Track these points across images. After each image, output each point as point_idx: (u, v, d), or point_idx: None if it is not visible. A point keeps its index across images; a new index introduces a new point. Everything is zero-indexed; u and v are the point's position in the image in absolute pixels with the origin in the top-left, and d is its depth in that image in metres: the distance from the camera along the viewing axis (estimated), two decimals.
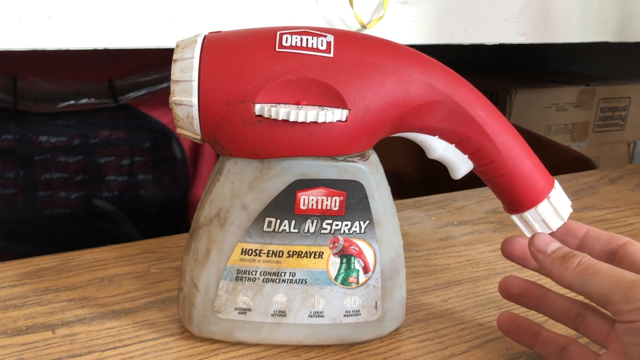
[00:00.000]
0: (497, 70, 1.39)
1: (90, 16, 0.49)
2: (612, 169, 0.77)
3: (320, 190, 0.34)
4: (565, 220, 0.36)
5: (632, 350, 0.29)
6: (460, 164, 0.36)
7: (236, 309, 0.36)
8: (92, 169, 0.82)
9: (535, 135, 0.96)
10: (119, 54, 0.63)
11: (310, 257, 0.35)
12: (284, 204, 0.34)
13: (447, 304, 0.44)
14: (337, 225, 0.35)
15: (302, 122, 0.32)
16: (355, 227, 0.35)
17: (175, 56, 0.33)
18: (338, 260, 0.36)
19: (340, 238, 0.35)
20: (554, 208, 0.36)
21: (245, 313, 0.36)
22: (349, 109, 0.32)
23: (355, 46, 0.33)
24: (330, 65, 0.32)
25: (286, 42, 0.32)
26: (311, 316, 0.36)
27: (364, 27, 0.60)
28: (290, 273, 0.36)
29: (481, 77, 1.22)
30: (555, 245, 0.34)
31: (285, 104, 0.32)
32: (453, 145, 0.36)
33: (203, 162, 0.89)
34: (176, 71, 0.32)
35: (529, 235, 0.36)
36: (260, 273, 0.35)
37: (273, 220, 0.35)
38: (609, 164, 1.24)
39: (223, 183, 0.35)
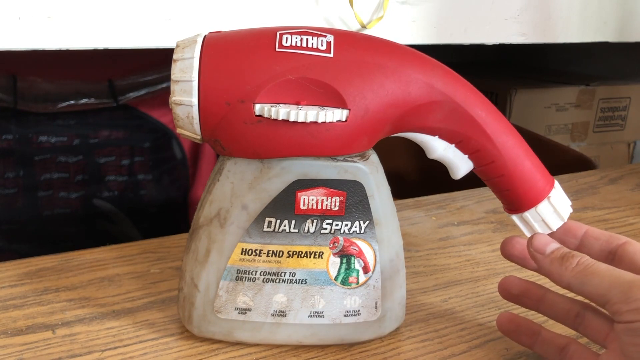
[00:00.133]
0: (497, 70, 1.39)
1: (90, 16, 0.49)
2: (612, 169, 0.77)
3: (320, 190, 0.34)
4: (565, 220, 0.36)
5: (630, 350, 0.29)
6: (460, 164, 0.36)
7: (236, 309, 0.36)
8: (92, 169, 0.82)
9: (535, 135, 0.96)
10: (119, 54, 0.63)
11: (310, 257, 0.35)
12: (284, 204, 0.34)
13: (447, 304, 0.44)
14: (337, 225, 0.35)
15: (302, 122, 0.32)
16: (355, 227, 0.35)
17: (175, 56, 0.33)
18: (338, 260, 0.36)
19: (340, 238, 0.35)
20: (554, 208, 0.36)
21: (245, 313, 0.36)
22: (349, 109, 0.32)
23: (355, 46, 0.33)
24: (330, 65, 0.32)
25: (286, 42, 0.32)
26: (311, 316, 0.36)
27: (364, 27, 0.60)
28: (290, 273, 0.36)
29: (481, 77, 1.22)
30: (554, 245, 0.34)
31: (285, 104, 0.32)
32: (453, 145, 0.36)
33: (203, 162, 0.89)
34: (176, 71, 0.32)
35: (529, 235, 0.36)
36: (260, 273, 0.35)
37: (273, 220, 0.35)
38: (609, 164, 1.24)
39: (223, 183, 0.35)
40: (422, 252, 0.52)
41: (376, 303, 0.37)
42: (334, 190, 0.34)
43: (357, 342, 0.38)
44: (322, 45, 0.32)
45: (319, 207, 0.34)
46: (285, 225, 0.35)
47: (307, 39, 0.33)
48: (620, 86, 1.23)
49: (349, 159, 0.34)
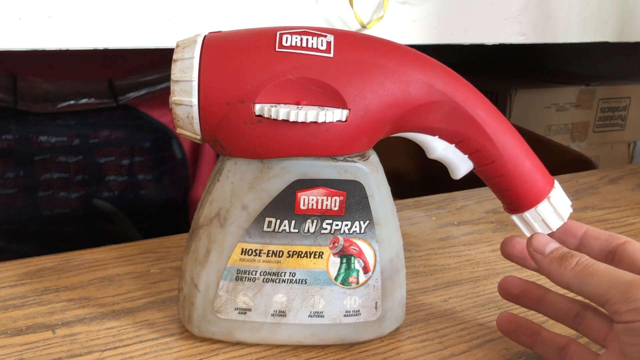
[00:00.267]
0: (497, 70, 1.39)
1: (90, 16, 0.49)
2: (612, 169, 0.77)
3: (320, 190, 0.34)
4: (565, 220, 0.36)
5: (630, 350, 0.29)
6: (460, 164, 0.36)
7: (236, 309, 0.36)
8: (92, 169, 0.82)
9: (535, 135, 0.96)
10: (119, 54, 0.63)
11: (310, 257, 0.35)
12: (284, 204, 0.34)
13: (447, 304, 0.44)
14: (337, 225, 0.35)
15: (302, 122, 0.32)
16: (355, 227, 0.35)
17: (175, 56, 0.33)
18: (338, 260, 0.36)
19: (340, 238, 0.35)
20: (554, 208, 0.36)
21: (245, 313, 0.36)
22: (349, 109, 0.32)
23: (355, 46, 0.33)
24: (330, 65, 0.32)
25: (286, 42, 0.32)
26: (311, 316, 0.36)
27: (364, 27, 0.60)
28: (290, 273, 0.36)
29: (481, 77, 1.22)
30: (553, 245, 0.34)
31: (285, 104, 0.32)
32: (453, 145, 0.36)
33: (203, 162, 0.89)
34: (176, 71, 0.32)
35: (528, 235, 0.36)
36: (260, 273, 0.35)
37: (273, 220, 0.35)
38: (609, 164, 1.24)
39: (223, 183, 0.35)
40: (422, 252, 0.52)
41: (376, 303, 0.37)
42: (334, 190, 0.34)
43: (357, 342, 0.38)
44: (322, 45, 0.32)
45: (319, 207, 0.34)
46: (285, 225, 0.35)
47: (307, 39, 0.33)
48: (620, 86, 1.23)
49: (349, 159, 0.34)
